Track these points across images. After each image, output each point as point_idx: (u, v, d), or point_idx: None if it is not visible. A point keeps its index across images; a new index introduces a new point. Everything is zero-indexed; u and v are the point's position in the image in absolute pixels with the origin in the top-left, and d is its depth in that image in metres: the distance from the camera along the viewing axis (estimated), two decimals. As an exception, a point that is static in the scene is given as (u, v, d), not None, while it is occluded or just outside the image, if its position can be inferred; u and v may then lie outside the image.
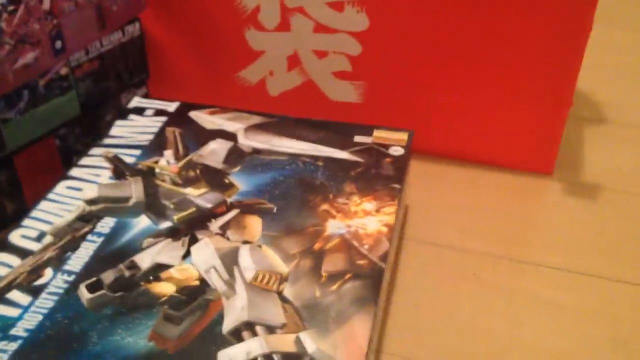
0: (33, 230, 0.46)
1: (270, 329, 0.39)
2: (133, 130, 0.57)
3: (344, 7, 0.60)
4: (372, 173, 0.52)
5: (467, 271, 0.53)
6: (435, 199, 0.60)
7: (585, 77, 0.61)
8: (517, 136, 0.62)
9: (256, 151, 0.54)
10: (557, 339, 0.47)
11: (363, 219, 0.47)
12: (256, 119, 0.58)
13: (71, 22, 0.54)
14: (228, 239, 0.46)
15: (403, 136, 0.55)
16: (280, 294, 0.41)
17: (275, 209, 0.48)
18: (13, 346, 0.38)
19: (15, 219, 0.54)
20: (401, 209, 0.51)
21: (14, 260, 0.43)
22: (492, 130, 0.63)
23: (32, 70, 0.52)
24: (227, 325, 0.39)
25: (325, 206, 0.49)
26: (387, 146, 0.54)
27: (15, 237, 0.45)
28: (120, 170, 0.52)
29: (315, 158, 0.53)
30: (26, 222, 0.47)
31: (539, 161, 0.63)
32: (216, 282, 0.42)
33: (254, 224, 0.47)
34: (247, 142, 0.55)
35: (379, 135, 0.56)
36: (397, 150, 0.54)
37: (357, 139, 0.55)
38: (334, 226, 0.47)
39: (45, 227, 0.46)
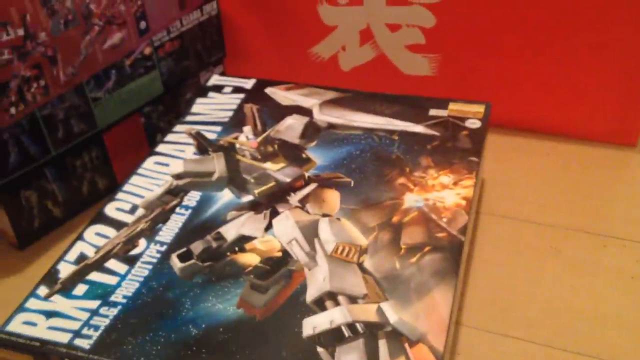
0: (126, 203, 0.49)
1: (352, 299, 0.40)
2: (213, 107, 0.59)
3: (418, -22, 0.59)
4: (448, 146, 0.51)
5: (546, 245, 0.52)
6: (513, 172, 0.59)
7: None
8: (599, 106, 0.60)
9: (331, 126, 0.55)
10: (643, 314, 0.46)
11: (441, 192, 0.48)
12: (331, 94, 0.59)
13: (154, 3, 0.56)
14: (307, 212, 0.47)
15: (480, 108, 0.55)
16: (360, 265, 0.42)
17: (352, 182, 0.49)
18: (113, 312, 0.40)
19: (106, 194, 0.58)
20: (478, 183, 0.51)
21: (110, 231, 0.46)
22: (572, 100, 0.61)
23: (119, 50, 0.54)
24: (310, 295, 0.40)
25: (402, 180, 0.49)
26: (463, 119, 0.54)
27: (110, 209, 0.48)
28: (203, 146, 0.54)
29: (391, 132, 0.54)
30: (119, 195, 0.50)
31: (622, 132, 0.60)
32: (298, 253, 0.44)
33: (333, 197, 0.48)
34: (323, 117, 0.56)
35: (455, 108, 0.55)
36: (473, 123, 0.53)
37: (433, 112, 0.55)
38: (412, 199, 0.47)
39: (137, 201, 0.49)
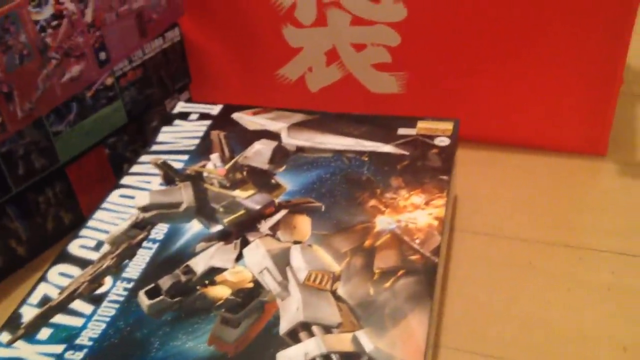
0: (91, 239, 0.47)
1: (327, 329, 0.39)
2: (179, 135, 0.57)
3: (380, -2, 0.59)
4: (418, 165, 0.51)
5: (522, 260, 0.52)
6: (485, 187, 0.59)
7: (636, 52, 0.59)
8: (567, 118, 0.61)
9: (300, 149, 0.54)
10: (623, 326, 0.45)
11: (412, 213, 0.47)
12: (298, 117, 0.58)
13: (113, 33, 0.55)
14: (278, 239, 0.46)
15: (448, 125, 0.54)
16: (334, 293, 0.41)
17: (323, 207, 0.48)
18: (79, 355, 0.39)
19: (72, 229, 0.56)
20: (450, 201, 0.50)
21: (74, 270, 0.45)
22: (540, 113, 0.61)
23: (79, 82, 0.53)
24: (284, 327, 0.39)
25: (373, 202, 0.48)
26: (432, 137, 0.54)
27: (74, 247, 0.47)
28: (169, 176, 0.53)
29: (360, 153, 0.53)
30: (84, 232, 0.48)
31: (591, 143, 0.61)
32: (270, 283, 0.43)
33: (303, 223, 0.47)
34: (291, 140, 0.56)
35: (424, 126, 0.55)
36: (443, 141, 0.53)
37: (401, 131, 0.55)
38: (384, 222, 0.47)
39: (102, 236, 0.47)
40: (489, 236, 0.54)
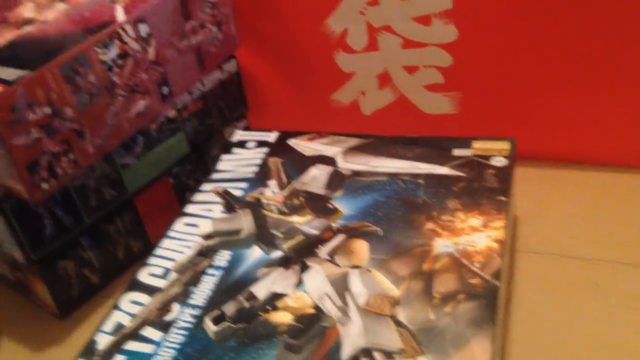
0: (159, 268, 0.49)
1: (388, 355, 0.39)
2: (238, 163, 0.59)
3: (430, 20, 0.59)
4: (475, 187, 0.51)
5: (586, 280, 0.50)
6: (545, 206, 0.58)
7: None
8: (628, 131, 0.59)
9: (356, 173, 0.55)
10: (695, 349, 0.44)
11: (471, 235, 0.47)
12: (353, 142, 0.59)
13: (175, 68, 0.58)
14: (337, 264, 0.47)
15: (504, 145, 0.54)
16: (394, 318, 0.42)
17: (380, 231, 0.49)
18: (151, 380, 0.41)
19: (141, 256, 0.59)
20: (510, 222, 0.50)
21: (144, 298, 0.47)
22: (600, 127, 0.60)
23: (144, 117, 0.56)
24: (346, 353, 0.40)
25: (430, 225, 0.49)
26: (488, 157, 0.53)
27: (144, 275, 0.49)
28: (230, 203, 0.55)
29: (415, 176, 0.53)
30: (152, 260, 0.50)
31: (655, 156, 0.59)
32: (330, 308, 0.44)
33: (361, 247, 0.48)
34: (347, 165, 0.56)
35: (479, 146, 0.55)
36: (499, 161, 0.53)
37: (456, 152, 0.55)
38: (442, 245, 0.47)
39: (169, 264, 0.50)
40: (551, 256, 0.53)
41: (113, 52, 0.51)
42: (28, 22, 0.53)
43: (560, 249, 0.53)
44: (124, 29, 0.52)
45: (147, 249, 0.59)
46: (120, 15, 0.52)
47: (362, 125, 0.68)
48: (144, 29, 0.53)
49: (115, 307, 0.47)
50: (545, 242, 0.54)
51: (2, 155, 0.45)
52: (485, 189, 0.50)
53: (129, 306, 0.46)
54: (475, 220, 0.48)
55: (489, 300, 0.42)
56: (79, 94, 0.49)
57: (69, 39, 0.49)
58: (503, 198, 0.49)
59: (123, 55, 0.52)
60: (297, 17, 0.65)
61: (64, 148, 0.49)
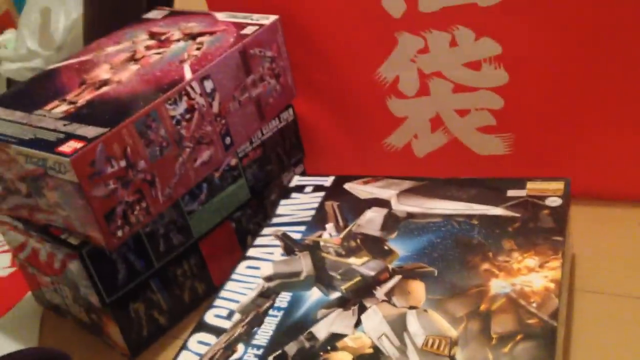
0: (223, 309, 0.52)
1: (447, 395, 0.40)
2: (296, 207, 0.62)
3: (480, 65, 0.61)
4: (530, 227, 0.51)
5: (648, 320, 0.49)
6: (604, 245, 0.58)
7: None
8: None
9: (410, 215, 0.57)
10: None
11: (527, 276, 0.47)
12: (407, 184, 0.61)
13: (236, 119, 0.61)
14: (394, 305, 0.48)
15: (559, 185, 0.55)
16: (452, 358, 0.42)
17: (436, 272, 0.50)
18: (218, 417, 0.43)
19: (205, 298, 0.62)
20: (567, 262, 0.50)
21: (210, 338, 0.49)
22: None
23: (209, 166, 0.59)
24: (405, 392, 0.41)
25: (486, 265, 0.49)
26: (543, 197, 0.54)
27: (210, 317, 0.52)
28: (289, 247, 0.57)
29: (470, 217, 0.54)
30: (217, 302, 0.53)
31: None
32: (389, 349, 0.45)
33: (418, 288, 0.49)
34: (401, 207, 0.58)
35: (533, 186, 0.55)
36: (554, 201, 0.53)
37: (511, 193, 0.55)
38: (498, 285, 0.47)
39: (233, 306, 0.52)
40: (611, 295, 0.52)
41: (181, 107, 0.55)
42: (104, 83, 0.58)
43: (619, 288, 0.53)
44: (191, 86, 0.56)
45: (210, 291, 0.62)
46: (187, 73, 0.57)
47: (415, 168, 0.70)
48: (209, 85, 0.57)
49: (184, 347, 0.49)
50: (604, 281, 0.54)
51: (82, 206, 0.49)
52: (540, 229, 0.51)
53: (197, 346, 0.49)
54: (531, 261, 0.48)
55: (547, 340, 0.42)
56: (151, 147, 0.53)
57: (141, 97, 0.54)
58: (559, 238, 0.49)
59: (190, 109, 0.56)
60: (350, 67, 0.68)
61: (137, 197, 0.52)
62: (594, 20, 0.55)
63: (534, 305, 0.45)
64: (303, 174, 0.73)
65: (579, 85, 0.59)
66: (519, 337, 0.42)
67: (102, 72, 0.60)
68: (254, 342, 0.48)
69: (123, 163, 0.51)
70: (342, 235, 0.56)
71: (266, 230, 0.60)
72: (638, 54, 0.55)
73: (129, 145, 0.51)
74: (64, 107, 0.55)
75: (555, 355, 0.41)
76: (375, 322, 0.47)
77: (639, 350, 0.47)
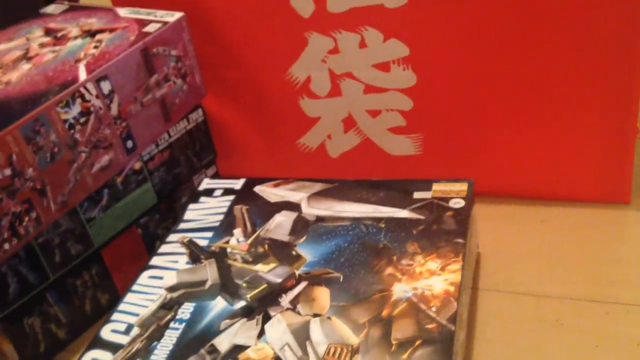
0: (121, 323, 0.50)
1: (345, 406, 0.39)
2: (204, 212, 0.60)
3: (390, 66, 0.61)
4: (434, 230, 0.52)
5: (549, 317, 0.51)
6: (508, 243, 0.59)
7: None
8: (588, 167, 0.60)
9: (320, 219, 0.56)
10: (654, 386, 0.44)
11: (428, 279, 0.47)
12: (318, 186, 0.60)
13: (139, 122, 0.59)
14: (299, 313, 0.47)
15: (463, 187, 0.55)
16: (352, 367, 0.42)
17: (341, 277, 0.49)
18: None
19: (109, 308, 0.59)
20: (468, 264, 0.51)
21: (106, 355, 0.47)
22: (560, 163, 0.61)
23: (108, 171, 0.57)
24: (303, 405, 0.40)
25: (390, 269, 0.49)
26: (447, 199, 0.54)
27: (106, 332, 0.49)
28: (195, 254, 0.55)
29: (377, 220, 0.54)
30: (114, 316, 0.50)
31: (614, 191, 0.60)
32: (291, 359, 0.44)
33: (323, 295, 0.48)
34: (311, 210, 0.57)
35: (439, 188, 0.56)
36: (457, 203, 0.54)
37: (417, 195, 0.56)
38: (401, 290, 0.47)
39: (132, 319, 0.50)
40: (514, 294, 0.54)
41: (75, 110, 0.52)
42: (-9, 83, 0.54)
43: (522, 287, 0.54)
44: (86, 88, 0.53)
45: (115, 300, 0.59)
46: (82, 73, 0.53)
47: (330, 168, 0.69)
48: (106, 86, 0.54)
49: (77, 365, 0.47)
50: (508, 280, 0.55)
51: (-38, 218, 0.46)
52: (443, 232, 0.51)
53: (91, 364, 0.47)
54: (433, 264, 0.49)
55: (444, 345, 0.42)
56: (41, 153, 0.50)
57: (30, 100, 0.51)
58: (460, 240, 0.50)
59: (85, 112, 0.53)
60: (262, 66, 0.66)
61: (26, 207, 0.49)
62: (497, 23, 0.56)
63: (434, 309, 0.45)
64: (215, 175, 0.71)
65: (483, 86, 0.59)
66: (417, 342, 0.43)
67: (-10, 72, 0.56)
68: (153, 357, 0.46)
69: (8, 171, 0.47)
70: (249, 241, 0.55)
71: (172, 237, 0.58)
72: (537, 56, 0.56)
73: (14, 152, 0.48)
74: (-57, 111, 0.51)
75: (453, 359, 0.41)
76: (278, 331, 0.46)
77: (539, 348, 0.48)
